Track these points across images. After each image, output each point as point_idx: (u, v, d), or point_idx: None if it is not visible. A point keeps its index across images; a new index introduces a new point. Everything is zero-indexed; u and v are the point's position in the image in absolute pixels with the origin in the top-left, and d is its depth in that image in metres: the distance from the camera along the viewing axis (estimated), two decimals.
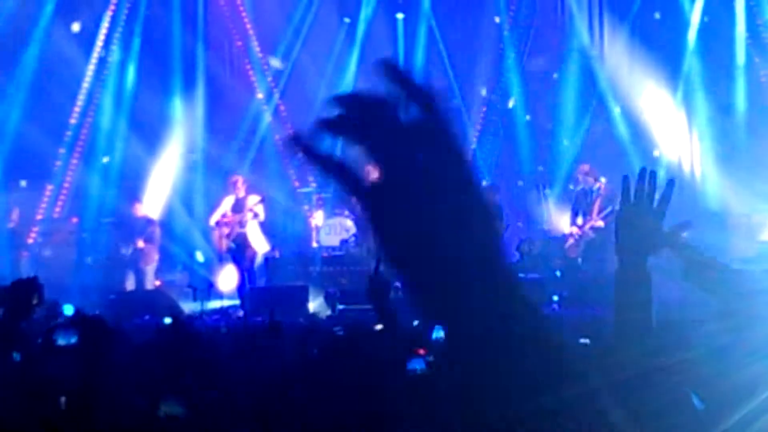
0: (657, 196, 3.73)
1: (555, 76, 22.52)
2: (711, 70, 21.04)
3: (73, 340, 6.74)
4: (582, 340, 5.46)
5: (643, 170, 3.76)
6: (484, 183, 19.99)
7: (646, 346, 3.61)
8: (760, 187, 18.45)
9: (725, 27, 20.93)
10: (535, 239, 18.62)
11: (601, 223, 16.81)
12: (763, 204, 18.40)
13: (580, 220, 17.35)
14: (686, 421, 3.37)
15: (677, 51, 21.15)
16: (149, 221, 19.11)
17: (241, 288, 17.69)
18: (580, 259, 17.29)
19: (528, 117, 22.59)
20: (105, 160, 21.79)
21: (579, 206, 17.48)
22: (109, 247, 19.49)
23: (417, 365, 5.18)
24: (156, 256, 18.89)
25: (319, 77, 22.67)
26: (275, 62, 22.95)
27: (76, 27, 21.88)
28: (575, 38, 22.15)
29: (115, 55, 22.05)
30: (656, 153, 20.74)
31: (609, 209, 16.47)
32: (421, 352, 5.32)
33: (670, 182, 3.78)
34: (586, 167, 17.57)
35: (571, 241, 17.40)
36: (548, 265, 17.20)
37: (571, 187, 18.48)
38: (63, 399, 4.96)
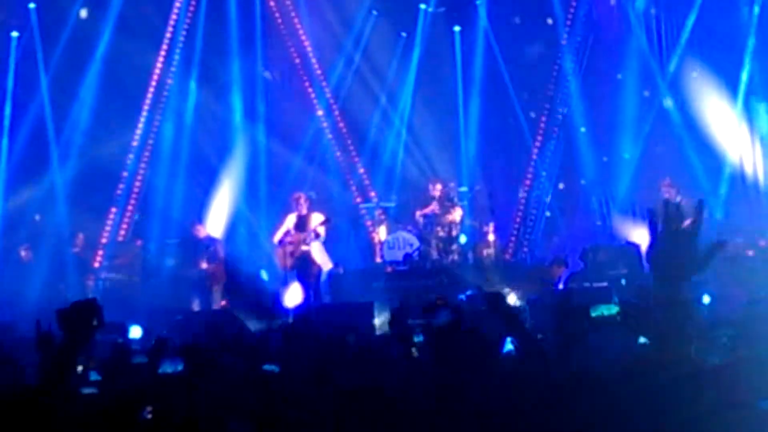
0: (688, 223, 3.62)
1: (619, 76, 22.22)
2: None
3: (180, 368, 6.77)
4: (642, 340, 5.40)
5: (666, 202, 3.67)
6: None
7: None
8: None
9: None
10: (599, 248, 18.51)
11: None
12: None
13: None
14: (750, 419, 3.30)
15: (737, 56, 20.87)
16: (212, 240, 19.17)
17: (306, 304, 17.65)
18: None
19: (583, 129, 22.33)
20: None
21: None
22: (174, 267, 19.56)
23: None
24: (223, 275, 18.94)
25: (377, 92, 22.68)
26: None
27: None
28: (634, 42, 21.92)
29: (175, 76, 22.18)
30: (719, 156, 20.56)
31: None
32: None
33: (700, 203, 3.67)
34: (668, 180, 17.94)
35: None
36: (613, 274, 17.05)
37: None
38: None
